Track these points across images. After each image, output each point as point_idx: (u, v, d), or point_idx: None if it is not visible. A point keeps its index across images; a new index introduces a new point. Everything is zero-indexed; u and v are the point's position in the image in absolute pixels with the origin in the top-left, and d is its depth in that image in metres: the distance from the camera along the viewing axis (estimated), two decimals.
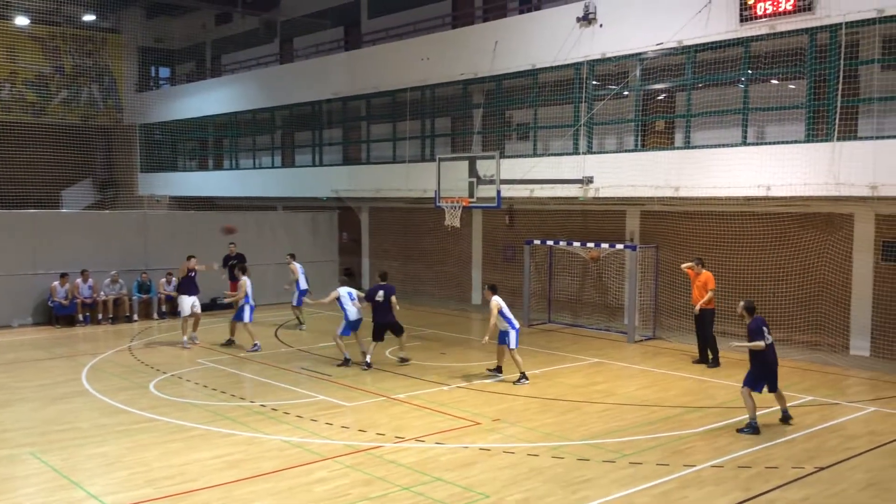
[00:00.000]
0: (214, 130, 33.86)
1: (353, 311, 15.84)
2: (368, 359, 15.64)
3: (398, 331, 16.16)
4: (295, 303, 20.64)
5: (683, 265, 17.09)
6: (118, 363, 16.35)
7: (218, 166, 34.32)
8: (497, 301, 14.50)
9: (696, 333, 16.54)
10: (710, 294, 16.08)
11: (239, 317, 17.81)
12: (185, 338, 17.99)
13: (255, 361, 16.44)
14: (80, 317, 21.19)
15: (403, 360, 16.24)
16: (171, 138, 36.46)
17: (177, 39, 39.05)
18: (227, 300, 19.65)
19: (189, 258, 18.67)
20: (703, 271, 16.33)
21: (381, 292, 15.82)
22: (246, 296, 17.66)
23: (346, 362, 15.90)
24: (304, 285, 20.63)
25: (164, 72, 40.84)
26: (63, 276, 20.81)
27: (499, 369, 15.04)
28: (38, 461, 10.11)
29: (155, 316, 22.41)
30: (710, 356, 16.19)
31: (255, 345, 17.54)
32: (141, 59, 38.30)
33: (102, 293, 21.60)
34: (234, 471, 9.74)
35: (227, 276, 20.78)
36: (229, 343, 18.11)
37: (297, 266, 20.75)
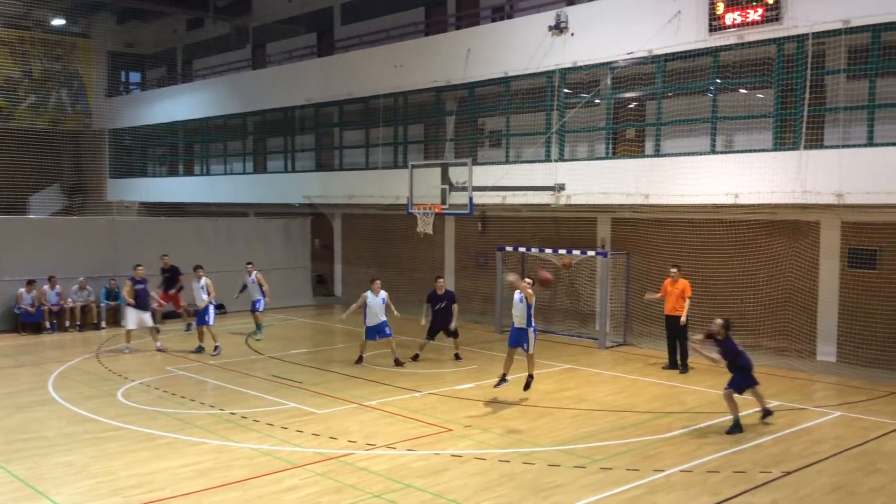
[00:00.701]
0: (185, 136, 33.59)
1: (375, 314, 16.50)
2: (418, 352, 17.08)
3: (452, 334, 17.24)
4: (260, 309, 20.29)
5: (649, 296, 17.26)
6: (86, 371, 16.15)
7: (189, 172, 34.03)
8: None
9: (668, 339, 16.62)
10: (687, 302, 16.16)
11: (203, 320, 17.88)
12: (125, 344, 18.18)
13: (226, 369, 16.32)
14: (48, 324, 20.91)
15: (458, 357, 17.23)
16: (141, 144, 36.13)
17: (148, 44, 38.74)
18: (182, 312, 20.42)
19: (136, 267, 18.47)
20: (681, 279, 16.38)
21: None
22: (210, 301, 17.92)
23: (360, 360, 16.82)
24: (257, 294, 20.19)
25: (135, 77, 40.48)
26: (30, 282, 20.53)
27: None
28: (3, 470, 9.94)
29: (123, 323, 22.14)
30: (681, 363, 16.42)
31: (217, 347, 17.71)
32: (111, 63, 37.96)
33: (70, 300, 21.34)
34: (203, 479, 9.65)
35: (163, 289, 20.75)
36: (199, 350, 17.97)
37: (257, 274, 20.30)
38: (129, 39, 38.24)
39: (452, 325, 17.15)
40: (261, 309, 20.01)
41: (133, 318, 18.08)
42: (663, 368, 16.50)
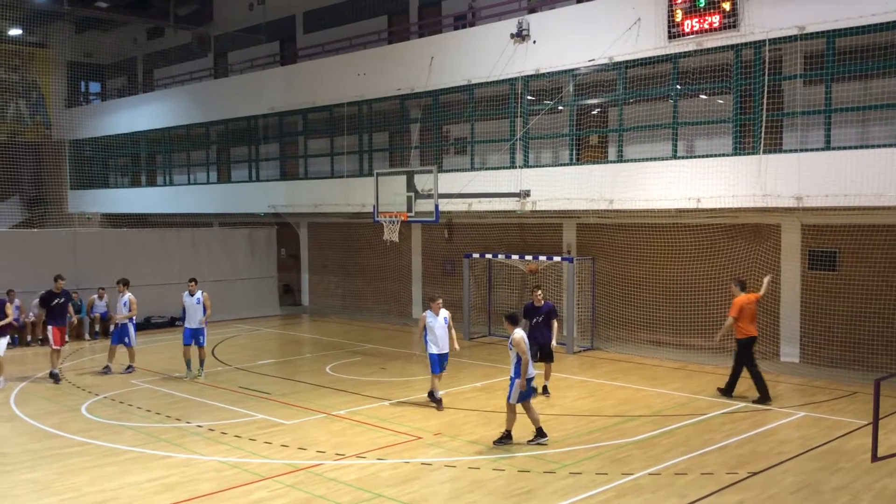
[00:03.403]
0: (147, 146, 33.23)
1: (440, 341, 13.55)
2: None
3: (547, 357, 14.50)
4: (204, 343, 16.78)
5: (724, 333, 14.72)
6: (48, 386, 15.87)
7: (151, 182, 33.67)
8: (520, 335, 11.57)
9: (736, 362, 14.42)
10: (729, 320, 14.34)
11: (122, 340, 16.90)
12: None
13: (192, 381, 16.12)
14: (8, 339, 20.46)
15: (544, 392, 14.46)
16: (102, 154, 35.67)
17: (107, 54, 38.25)
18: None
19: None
20: (743, 294, 14.39)
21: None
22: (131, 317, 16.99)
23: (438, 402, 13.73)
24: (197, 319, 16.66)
25: (95, 87, 39.92)
26: None
27: (540, 431, 11.74)
28: None
29: (87, 336, 21.84)
30: (759, 391, 14.04)
31: (130, 367, 16.98)
32: (70, 73, 37.43)
33: (31, 314, 20.96)
34: (169, 494, 9.53)
35: (47, 319, 16.87)
36: (106, 371, 16.93)
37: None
38: (89, 49, 37.72)
39: (553, 342, 14.36)
40: (204, 343, 16.70)
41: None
42: (718, 390, 14.61)
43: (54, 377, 16.24)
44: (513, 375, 11.42)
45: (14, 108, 36.92)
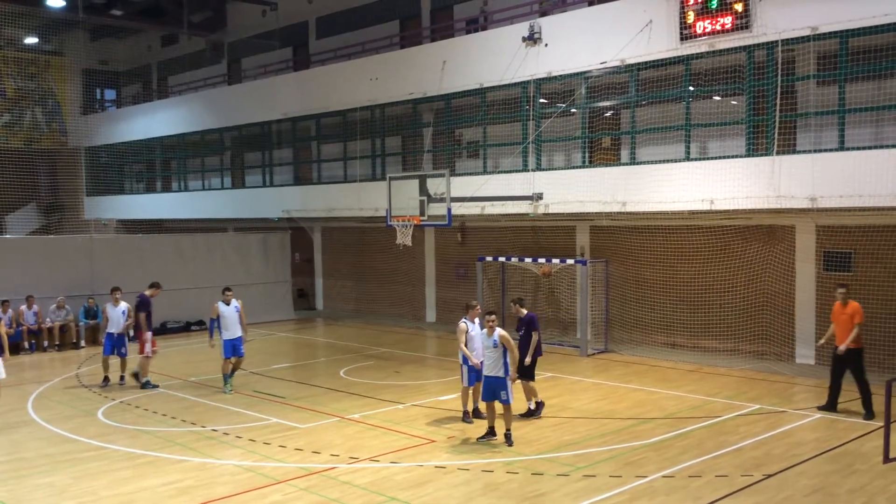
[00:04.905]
0: (162, 152, 33.47)
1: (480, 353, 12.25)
2: (531, 405, 13.34)
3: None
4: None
5: (822, 342, 13.92)
6: (65, 391, 16.01)
7: (166, 188, 33.89)
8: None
9: (833, 375, 13.39)
10: (856, 330, 13.01)
11: (121, 352, 16.41)
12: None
13: (206, 386, 16.22)
14: (26, 344, 20.72)
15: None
16: (117, 161, 35.94)
17: (122, 61, 38.60)
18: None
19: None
20: (851, 302, 13.21)
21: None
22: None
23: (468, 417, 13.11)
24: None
25: (110, 94, 40.28)
26: (4, 302, 20.33)
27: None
28: None
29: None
30: (864, 406, 13.02)
31: (122, 378, 16.44)
32: (85, 81, 37.73)
33: (48, 319, 21.17)
34: (185, 497, 9.60)
35: (147, 324, 16.16)
36: (122, 381, 16.45)
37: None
38: (104, 56, 38.05)
39: (527, 359, 13.15)
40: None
41: None
42: (818, 408, 13.49)
43: (147, 384, 15.94)
44: (504, 374, 11.56)
45: (31, 115, 37.25)
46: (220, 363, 15.61)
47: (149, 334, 16.08)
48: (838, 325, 13.23)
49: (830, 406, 13.35)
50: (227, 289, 15.82)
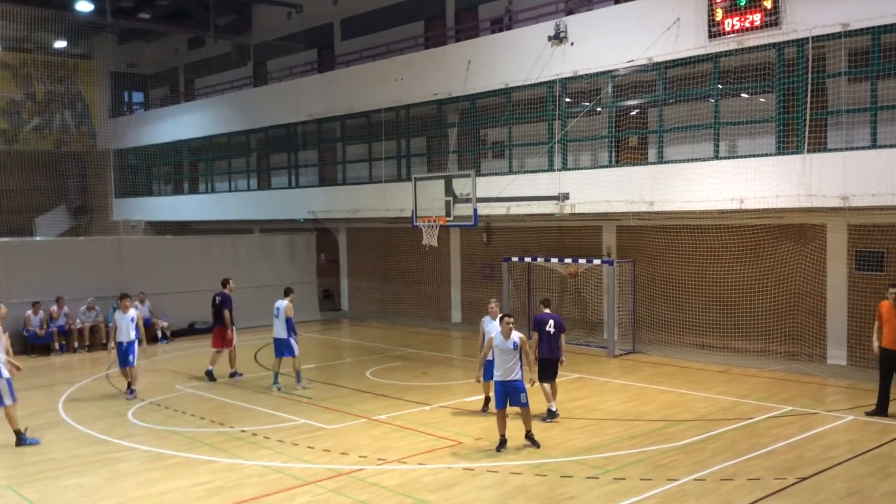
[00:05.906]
0: (189, 154, 33.73)
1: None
2: (553, 407, 13.13)
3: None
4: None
5: (876, 345, 13.07)
6: (95, 392, 16.16)
7: (193, 190, 34.17)
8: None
9: (882, 377, 12.98)
10: None
11: (127, 361, 15.52)
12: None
13: (235, 386, 16.31)
14: (56, 345, 20.94)
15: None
16: (145, 163, 36.28)
17: (149, 64, 38.98)
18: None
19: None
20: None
21: (551, 321, 13.26)
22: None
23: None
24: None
25: (138, 96, 40.69)
26: (35, 304, 20.57)
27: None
28: (15, 494, 9.94)
29: None
30: None
31: (132, 391, 15.58)
32: (114, 84, 38.17)
33: (78, 321, 21.38)
34: (215, 499, 9.63)
35: (231, 320, 17.04)
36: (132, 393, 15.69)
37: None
38: (131, 59, 38.46)
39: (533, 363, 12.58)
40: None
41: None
42: (867, 414, 12.94)
43: (234, 375, 17.17)
44: (519, 379, 11.42)
45: (60, 118, 37.74)
46: (292, 360, 16.13)
47: (233, 328, 17.29)
48: (889, 326, 12.68)
49: (881, 410, 12.81)
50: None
